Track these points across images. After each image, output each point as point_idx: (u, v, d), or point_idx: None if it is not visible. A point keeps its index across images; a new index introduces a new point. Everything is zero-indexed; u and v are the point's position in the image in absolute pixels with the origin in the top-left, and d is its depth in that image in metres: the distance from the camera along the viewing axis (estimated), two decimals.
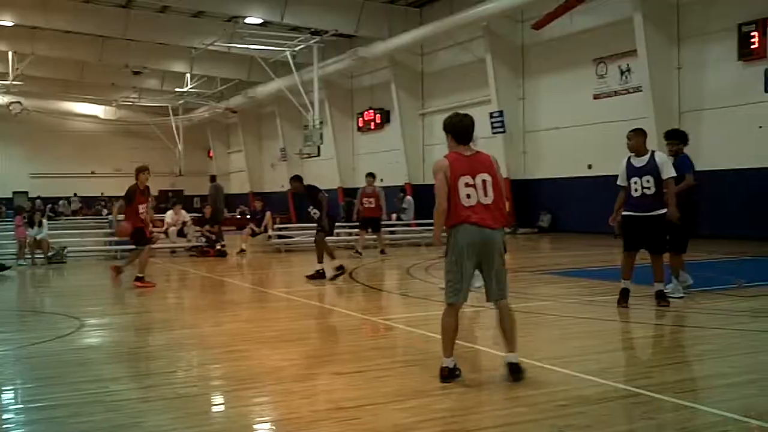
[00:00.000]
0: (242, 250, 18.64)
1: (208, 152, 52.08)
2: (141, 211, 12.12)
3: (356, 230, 18.59)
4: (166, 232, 19.56)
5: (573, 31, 23.80)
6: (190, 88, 40.43)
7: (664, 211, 8.62)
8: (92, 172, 48.18)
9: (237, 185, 47.86)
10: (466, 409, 4.93)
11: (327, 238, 13.13)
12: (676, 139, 10.03)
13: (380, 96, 33.73)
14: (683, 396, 5.10)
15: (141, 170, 12.33)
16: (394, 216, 24.74)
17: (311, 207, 13.26)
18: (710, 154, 18.85)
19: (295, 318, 9.29)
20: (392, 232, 22.92)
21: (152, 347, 7.38)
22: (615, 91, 23.07)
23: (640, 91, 21.60)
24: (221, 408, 5.43)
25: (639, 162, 8.79)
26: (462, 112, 6.13)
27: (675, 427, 4.49)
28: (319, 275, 12.42)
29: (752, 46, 18.82)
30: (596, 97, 23.67)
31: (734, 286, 10.32)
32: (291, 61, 30.48)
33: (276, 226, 21.65)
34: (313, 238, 13.25)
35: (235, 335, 8.02)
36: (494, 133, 26.22)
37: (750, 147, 18.62)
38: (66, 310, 9.86)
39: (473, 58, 27.58)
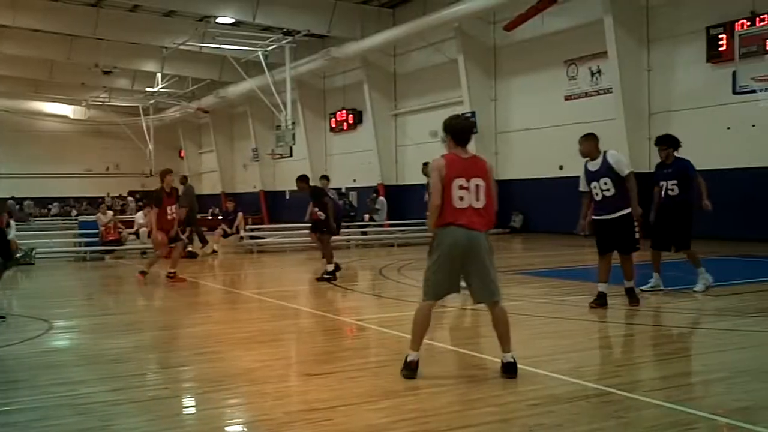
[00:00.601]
0: (214, 251, 18.53)
1: (180, 152, 51.70)
2: (170, 212, 12.61)
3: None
4: (137, 233, 19.41)
5: (544, 33, 23.97)
6: (161, 88, 40.10)
7: (627, 210, 8.65)
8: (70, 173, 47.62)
9: (209, 186, 47.59)
10: (438, 409, 4.94)
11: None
12: (665, 144, 10.17)
13: (353, 96, 33.72)
14: (653, 394, 5.15)
15: (166, 173, 12.89)
16: (366, 217, 24.77)
17: (316, 208, 13.21)
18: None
19: (267, 319, 9.26)
20: (364, 233, 22.96)
21: (122, 349, 7.32)
22: (586, 93, 23.26)
23: (611, 92, 21.80)
24: (193, 410, 5.39)
25: (594, 166, 8.79)
26: (457, 114, 6.36)
27: (645, 425, 4.54)
28: (331, 275, 12.36)
29: (720, 49, 19.07)
30: (567, 98, 23.86)
31: (715, 285, 10.45)
32: (263, 61, 30.36)
33: (248, 226, 21.56)
34: (308, 239, 13.31)
35: (206, 337, 7.98)
36: None
37: (718, 148, 18.87)
38: (34, 312, 9.74)
39: (445, 59, 27.66)
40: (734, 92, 14.53)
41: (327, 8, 28.63)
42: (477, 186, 5.76)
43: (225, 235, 19.65)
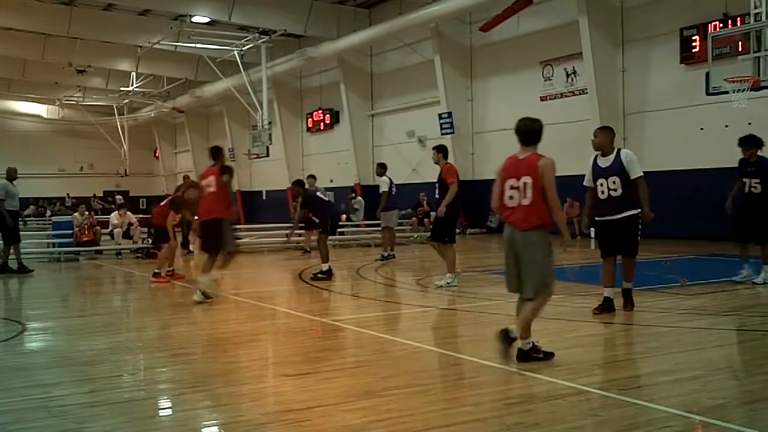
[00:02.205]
0: (190, 252, 18.41)
1: (155, 152, 51.35)
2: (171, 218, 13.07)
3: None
4: (111, 234, 19.24)
5: (520, 34, 24.10)
6: (136, 87, 39.74)
7: (633, 212, 8.18)
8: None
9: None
10: (415, 408, 4.94)
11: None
12: (749, 144, 10.54)
13: (329, 96, 33.68)
14: (628, 393, 5.19)
15: (191, 185, 13.17)
16: (344, 217, 24.72)
17: (310, 214, 13.24)
18: (654, 155, 19.30)
19: (243, 320, 9.22)
20: (341, 233, 22.90)
21: (97, 351, 7.25)
22: (561, 93, 23.40)
23: (586, 93, 21.95)
24: (169, 412, 5.35)
25: (604, 162, 8.29)
26: (526, 116, 6.49)
27: (620, 423, 4.57)
28: (326, 274, 12.32)
29: (694, 50, 19.27)
30: (543, 98, 23.99)
31: (677, 284, 10.57)
32: (239, 61, 30.25)
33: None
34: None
35: (182, 338, 7.93)
36: (443, 134, 26.39)
37: (692, 148, 19.07)
38: (7, 314, 9.62)
39: (422, 60, 27.71)
40: (707, 93, 14.67)
41: (303, 8, 28.56)
42: (525, 184, 6.06)
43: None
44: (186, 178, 20.53)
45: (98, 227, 19.50)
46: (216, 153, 11.12)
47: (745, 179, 10.55)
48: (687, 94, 19.15)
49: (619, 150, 8.38)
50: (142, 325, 9.12)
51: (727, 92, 13.91)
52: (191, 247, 17.65)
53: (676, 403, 4.98)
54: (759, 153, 10.50)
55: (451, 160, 12.44)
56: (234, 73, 31.90)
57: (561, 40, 22.64)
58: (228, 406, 5.28)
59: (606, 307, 8.30)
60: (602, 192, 8.28)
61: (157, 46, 30.46)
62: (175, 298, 11.67)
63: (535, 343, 6.12)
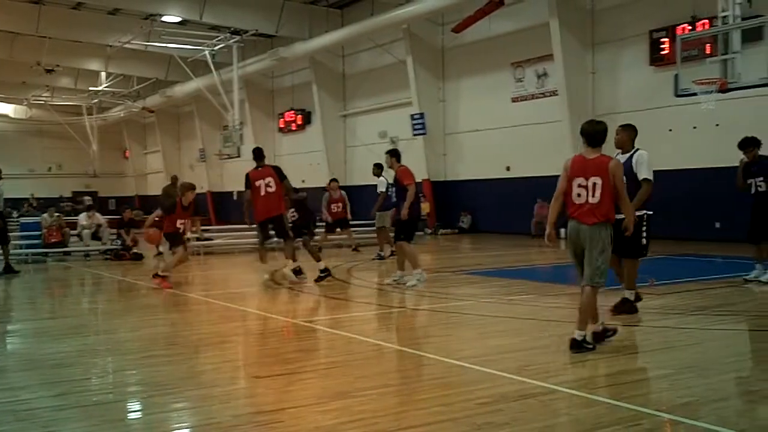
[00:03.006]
0: (159, 253, 18.25)
1: (124, 153, 50.90)
2: (179, 224, 12.47)
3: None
4: (79, 235, 19.03)
5: (491, 35, 24.22)
6: (105, 87, 39.38)
7: (638, 213, 7.86)
8: None
9: (154, 187, 46.90)
10: (387, 409, 4.94)
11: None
12: (750, 145, 10.74)
13: (301, 97, 33.61)
14: (598, 392, 5.23)
15: (188, 188, 12.81)
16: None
17: (296, 214, 13.28)
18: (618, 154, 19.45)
19: (214, 321, 9.16)
20: (314, 234, 22.85)
21: (66, 354, 7.16)
22: (532, 95, 23.56)
23: (556, 94, 22.12)
24: (138, 415, 5.30)
25: (621, 160, 7.95)
26: (592, 119, 6.96)
27: (591, 422, 4.60)
28: (325, 274, 12.22)
29: (663, 52, 19.50)
30: (514, 100, 24.14)
31: (646, 284, 10.67)
32: (210, 61, 30.07)
33: (194, 228, 21.25)
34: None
35: (152, 340, 7.85)
36: (415, 134, 26.45)
37: (661, 150, 19.23)
38: None
39: (394, 60, 27.75)
40: (676, 95, 14.82)
41: (275, 8, 28.47)
42: (594, 184, 6.44)
43: None
44: (174, 178, 20.42)
45: (67, 228, 19.28)
46: (261, 154, 12.26)
47: (749, 180, 10.72)
48: (656, 96, 19.36)
49: (636, 150, 8.38)
50: (112, 327, 9.02)
51: (695, 94, 14.07)
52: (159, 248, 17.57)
53: (645, 401, 5.03)
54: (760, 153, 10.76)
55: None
56: (205, 72, 31.72)
57: (532, 42, 22.79)
58: (198, 408, 5.24)
59: (626, 308, 8.31)
60: None
61: (127, 45, 30.20)
62: (144, 300, 11.57)
63: (586, 337, 6.55)
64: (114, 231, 19.10)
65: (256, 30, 29.17)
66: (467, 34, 23.73)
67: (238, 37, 29.28)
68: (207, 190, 40.51)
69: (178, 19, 28.75)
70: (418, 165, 26.28)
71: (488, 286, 11.74)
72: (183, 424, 5.03)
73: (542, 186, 23.55)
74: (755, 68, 13.12)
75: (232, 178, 39.34)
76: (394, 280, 11.52)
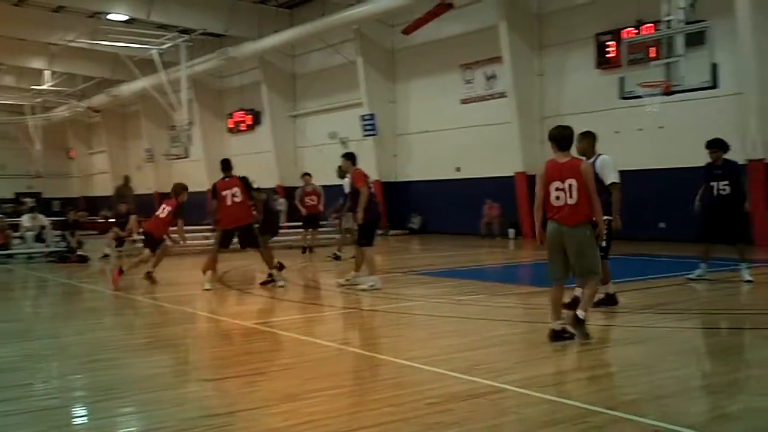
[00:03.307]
0: (106, 255, 17.97)
1: (69, 153, 49.87)
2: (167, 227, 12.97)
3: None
4: (22, 237, 18.61)
5: (441, 37, 24.36)
6: (49, 86, 38.53)
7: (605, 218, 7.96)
8: None
9: (100, 187, 46.10)
10: (338, 411, 4.94)
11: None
12: (716, 147, 10.81)
13: (251, 97, 33.37)
14: (547, 390, 5.30)
15: (184, 188, 13.28)
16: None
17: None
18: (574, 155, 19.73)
19: (163, 324, 9.04)
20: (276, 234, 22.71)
21: (10, 358, 6.99)
22: (481, 96, 23.76)
23: (505, 96, 22.35)
24: (85, 420, 5.20)
25: None
26: (558, 124, 7.22)
27: (540, 420, 4.66)
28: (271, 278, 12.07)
29: (609, 55, 19.85)
30: (464, 101, 24.33)
31: None
32: (157, 60, 29.66)
33: (141, 230, 20.93)
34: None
35: (98, 344, 7.72)
36: (365, 135, 26.47)
37: (607, 151, 19.49)
38: None
39: (345, 61, 27.72)
40: (621, 97, 15.08)
41: (224, 7, 28.22)
42: (570, 185, 6.74)
43: (117, 239, 19.04)
44: (127, 178, 20.46)
45: (9, 230, 18.84)
46: (229, 165, 12.27)
47: (712, 182, 10.77)
48: (602, 98, 19.66)
49: (599, 155, 8.57)
50: (57, 331, 8.84)
51: (640, 96, 14.32)
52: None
53: (592, 399, 5.11)
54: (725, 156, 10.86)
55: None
56: (152, 72, 31.24)
57: (481, 44, 23.00)
58: (147, 412, 5.17)
59: (607, 301, 8.69)
60: None
61: (71, 43, 29.64)
62: (90, 303, 11.37)
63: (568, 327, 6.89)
64: (58, 233, 18.73)
65: (205, 29, 28.89)
66: (417, 35, 23.83)
67: (186, 37, 28.94)
68: (155, 191, 39.94)
69: (125, 18, 28.28)
70: (369, 166, 26.26)
71: (439, 287, 11.81)
72: (131, 429, 4.96)
73: (492, 187, 23.88)
74: (698, 72, 13.42)
75: (180, 178, 38.44)
76: (347, 280, 11.49)
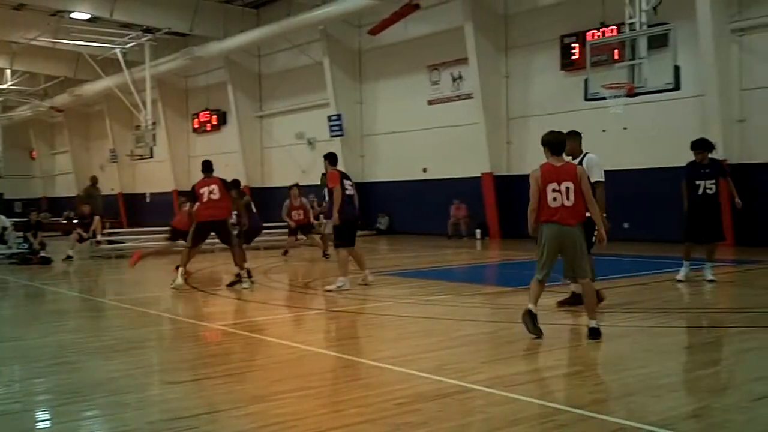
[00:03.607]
0: (69, 257, 17.72)
1: (31, 153, 49.14)
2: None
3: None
4: None
5: (408, 38, 24.42)
6: (11, 85, 37.88)
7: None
8: None
9: (63, 188, 45.49)
10: (305, 412, 4.92)
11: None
12: (701, 148, 10.83)
13: (216, 97, 33.16)
14: (513, 389, 5.33)
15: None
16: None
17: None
18: (536, 159, 19.80)
19: (127, 326, 8.93)
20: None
21: None
22: (448, 97, 23.85)
23: (472, 97, 22.46)
24: (48, 424, 5.12)
25: None
26: (552, 130, 7.49)
27: (506, 419, 4.68)
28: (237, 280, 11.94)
29: (573, 57, 20.04)
30: (431, 102, 24.41)
31: (559, 283, 10.92)
32: (121, 59, 29.34)
33: (105, 231, 20.72)
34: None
35: (61, 347, 7.60)
36: (332, 136, 26.43)
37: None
38: None
39: (311, 61, 27.66)
40: (586, 99, 15.25)
41: (189, 6, 27.99)
42: (567, 188, 7.00)
43: (80, 239, 18.80)
44: (94, 179, 20.42)
45: None
46: (209, 167, 12.35)
47: (698, 181, 10.76)
48: (567, 100, 19.87)
49: (585, 154, 8.74)
50: (18, 333, 8.69)
51: (604, 98, 14.49)
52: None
53: (558, 397, 5.16)
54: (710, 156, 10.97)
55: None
56: (116, 71, 30.94)
57: (447, 45, 23.09)
58: (111, 416, 5.10)
59: (573, 301, 8.75)
60: None
61: (33, 42, 29.16)
62: (52, 306, 11.20)
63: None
64: (20, 234, 18.44)
65: (169, 28, 28.63)
66: (384, 36, 23.86)
67: (150, 36, 28.67)
68: (119, 191, 39.52)
69: (88, 16, 27.91)
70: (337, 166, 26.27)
71: (406, 287, 11.83)
72: None
73: (458, 187, 23.98)
74: (660, 73, 13.61)
75: (144, 179, 38.51)
76: (338, 287, 11.09)
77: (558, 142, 7.31)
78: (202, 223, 11.89)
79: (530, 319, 7.10)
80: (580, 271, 7.21)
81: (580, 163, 8.51)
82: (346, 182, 11.42)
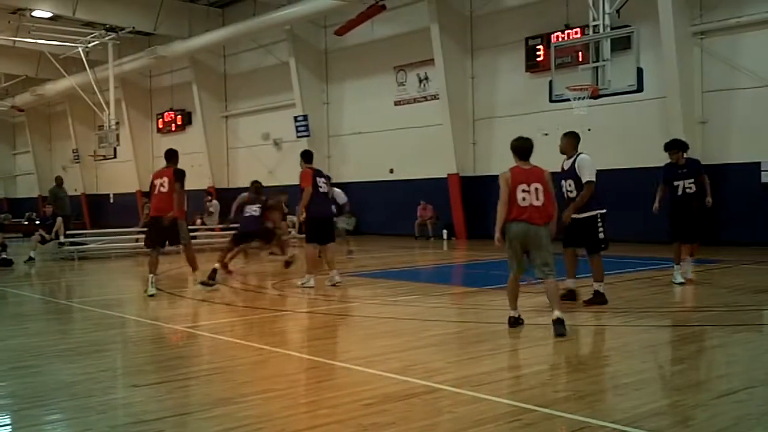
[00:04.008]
0: (30, 259, 17.44)
1: None
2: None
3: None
4: None
5: (374, 39, 24.44)
6: None
7: (593, 212, 9.00)
8: None
9: (24, 189, 44.78)
10: (271, 414, 4.89)
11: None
12: (675, 148, 10.84)
13: (181, 97, 32.89)
14: (480, 389, 5.35)
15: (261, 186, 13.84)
16: (198, 221, 24.22)
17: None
18: (501, 159, 19.94)
19: (90, 329, 8.81)
20: (194, 237, 22.39)
21: None
22: (414, 98, 23.91)
23: (438, 98, 22.53)
24: (9, 429, 5.02)
25: (566, 165, 9.17)
26: (519, 136, 7.97)
27: (473, 418, 4.70)
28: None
29: (538, 59, 20.19)
30: (397, 103, 24.44)
31: (524, 283, 11.00)
32: (84, 58, 28.96)
33: (68, 232, 20.42)
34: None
35: (22, 350, 7.46)
36: (299, 137, 26.35)
37: (536, 153, 19.91)
38: None
39: (277, 62, 27.56)
40: (550, 100, 15.39)
41: (153, 5, 27.72)
42: (536, 189, 7.41)
43: (43, 241, 18.52)
44: (59, 179, 20.18)
45: None
46: (170, 156, 11.54)
47: (677, 182, 10.72)
48: (532, 101, 20.03)
49: (579, 154, 9.05)
50: None
51: (568, 100, 14.62)
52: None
53: (525, 396, 5.18)
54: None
55: None
56: (79, 70, 30.54)
57: (414, 46, 23.14)
58: (74, 419, 5.02)
59: (569, 297, 9.06)
60: (564, 193, 9.12)
61: None
62: (13, 308, 11.01)
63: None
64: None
65: (133, 27, 28.32)
66: (350, 37, 23.85)
67: (113, 35, 28.34)
68: (81, 192, 39.00)
69: (50, 14, 27.50)
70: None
71: (373, 288, 11.82)
72: None
73: (425, 188, 24.04)
74: (624, 75, 13.77)
75: (108, 179, 38.05)
76: (302, 284, 11.37)
77: (525, 148, 7.70)
78: (153, 218, 11.30)
79: (514, 322, 7.64)
80: (548, 270, 7.46)
81: (573, 162, 9.00)
82: (320, 180, 11.60)
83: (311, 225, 11.39)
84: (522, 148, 7.74)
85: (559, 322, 7.22)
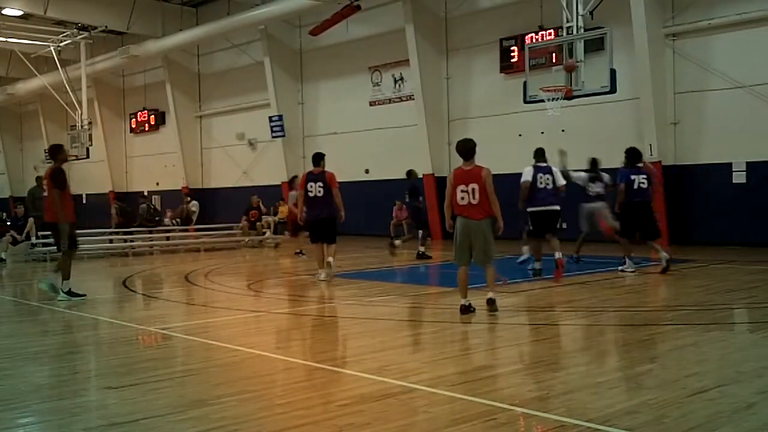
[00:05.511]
0: (1, 260, 17.24)
1: None
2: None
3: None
4: None
5: (349, 39, 24.42)
6: None
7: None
8: None
9: None
10: (246, 416, 4.87)
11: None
12: (625, 155, 12.40)
13: (155, 96, 32.64)
14: (455, 389, 5.36)
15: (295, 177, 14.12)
16: (172, 222, 24.08)
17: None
18: (475, 159, 20.09)
19: (62, 331, 8.72)
20: (168, 238, 22.27)
21: None
22: (389, 99, 23.92)
23: (413, 99, 22.56)
24: None
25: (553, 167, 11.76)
26: (463, 138, 8.81)
27: (449, 418, 4.71)
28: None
29: (512, 60, 20.28)
30: (372, 103, 24.44)
31: (499, 283, 11.05)
32: (56, 57, 28.65)
33: (40, 233, 20.18)
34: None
35: None
36: (274, 137, 26.26)
37: (511, 154, 20.03)
38: None
39: (252, 61, 27.45)
40: (525, 101, 15.45)
41: (126, 4, 27.47)
42: (473, 189, 8.27)
43: (14, 242, 18.30)
44: (39, 179, 19.82)
45: None
46: (51, 152, 10.95)
47: (633, 176, 11.94)
48: (506, 102, 20.11)
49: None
50: None
51: (542, 101, 14.69)
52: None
53: (500, 396, 5.20)
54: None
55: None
56: (51, 69, 30.20)
57: (389, 47, 23.15)
58: (47, 422, 4.97)
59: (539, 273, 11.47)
60: (541, 185, 11.74)
61: None
62: None
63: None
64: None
65: (106, 26, 28.04)
66: (325, 37, 23.81)
67: (86, 33, 28.05)
68: None
69: (20, 13, 27.15)
70: (278, 167, 26.11)
71: (348, 288, 11.81)
72: None
73: (401, 188, 23.92)
74: (597, 77, 13.87)
75: (80, 180, 37.58)
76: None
77: (466, 149, 8.47)
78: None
79: (465, 310, 8.34)
80: (487, 258, 8.38)
81: (550, 167, 11.39)
82: (310, 184, 12.62)
83: (308, 227, 12.92)
84: (463, 149, 8.50)
85: (491, 302, 8.36)
